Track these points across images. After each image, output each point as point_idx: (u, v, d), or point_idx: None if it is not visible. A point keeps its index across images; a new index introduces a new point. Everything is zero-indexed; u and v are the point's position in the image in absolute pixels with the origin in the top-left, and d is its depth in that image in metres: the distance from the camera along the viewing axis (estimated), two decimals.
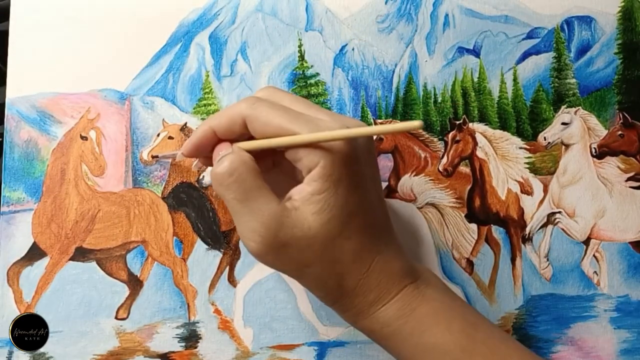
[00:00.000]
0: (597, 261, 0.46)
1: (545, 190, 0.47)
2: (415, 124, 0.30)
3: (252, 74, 0.48)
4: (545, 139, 0.47)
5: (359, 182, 0.34)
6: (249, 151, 0.34)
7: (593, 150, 0.47)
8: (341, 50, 0.49)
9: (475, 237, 0.46)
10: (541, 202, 0.46)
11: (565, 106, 0.47)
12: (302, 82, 0.48)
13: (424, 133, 0.47)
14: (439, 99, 0.48)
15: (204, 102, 0.48)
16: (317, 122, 0.33)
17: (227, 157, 0.33)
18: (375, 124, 0.47)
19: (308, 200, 0.33)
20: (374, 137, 0.47)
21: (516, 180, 0.47)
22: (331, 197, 0.32)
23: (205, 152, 0.36)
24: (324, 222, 0.33)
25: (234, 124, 0.34)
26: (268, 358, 0.44)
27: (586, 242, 0.46)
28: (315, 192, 0.32)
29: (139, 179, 0.47)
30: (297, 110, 0.34)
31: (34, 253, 0.46)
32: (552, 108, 0.48)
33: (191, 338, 0.45)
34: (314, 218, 0.33)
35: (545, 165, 0.47)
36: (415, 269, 0.37)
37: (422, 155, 0.47)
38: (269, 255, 0.34)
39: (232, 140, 0.35)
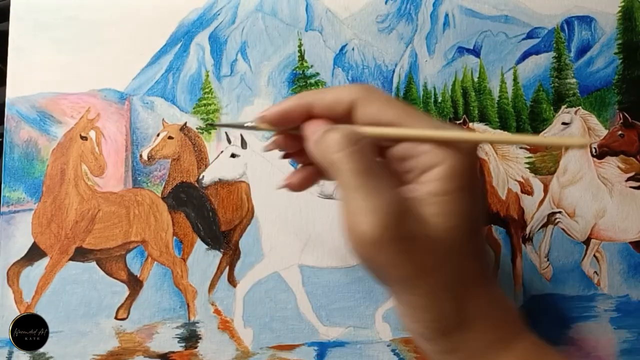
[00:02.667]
0: (598, 261, 0.46)
1: (546, 190, 0.47)
2: (582, 140, 0.27)
3: (252, 74, 0.48)
4: None
5: (478, 197, 0.29)
6: None
7: (593, 150, 0.47)
8: (341, 50, 0.48)
9: None
10: (541, 202, 0.46)
11: (565, 106, 0.47)
12: (302, 82, 0.48)
13: None
14: (439, 99, 0.48)
15: (204, 101, 0.48)
16: (434, 123, 0.29)
17: (346, 127, 0.29)
18: None
19: (425, 200, 0.28)
20: None
21: (516, 180, 0.47)
22: (456, 202, 0.27)
23: (287, 124, 0.31)
24: (447, 227, 0.27)
25: (338, 104, 0.30)
26: (268, 358, 0.44)
27: (586, 242, 0.46)
28: (437, 193, 0.27)
29: (139, 179, 0.47)
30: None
31: (34, 253, 0.46)
32: (552, 108, 0.47)
33: (191, 338, 0.45)
34: (436, 220, 0.27)
35: (545, 165, 0.47)
36: (511, 308, 0.31)
37: None
38: (386, 246, 0.27)
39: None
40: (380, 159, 0.30)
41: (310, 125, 0.30)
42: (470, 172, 0.28)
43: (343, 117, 0.30)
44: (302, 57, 0.48)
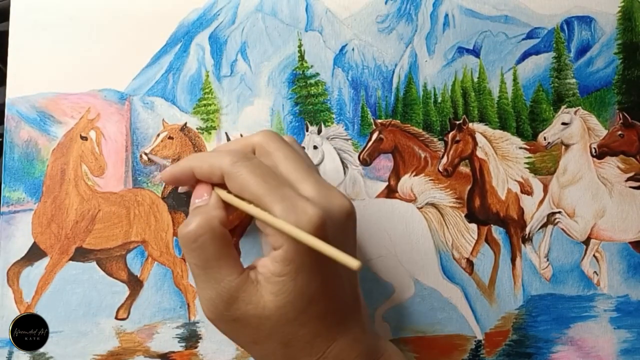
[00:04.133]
0: (597, 261, 0.46)
1: (545, 190, 0.47)
2: (352, 263, 0.29)
3: (252, 74, 0.48)
4: (545, 139, 0.47)
5: (326, 269, 0.33)
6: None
7: (593, 150, 0.47)
8: (341, 50, 0.49)
9: (475, 237, 0.46)
10: (541, 202, 0.46)
11: (565, 106, 0.47)
12: (302, 82, 0.48)
13: (424, 133, 0.47)
14: (439, 99, 0.48)
15: (204, 102, 0.48)
16: (293, 201, 0.31)
17: (195, 219, 0.32)
18: (376, 124, 0.47)
19: (268, 278, 0.32)
20: (373, 140, 0.47)
21: (516, 180, 0.47)
22: (290, 282, 0.31)
23: (180, 184, 0.37)
24: (279, 305, 0.32)
25: (212, 175, 0.34)
26: None
27: (586, 242, 0.46)
28: (276, 274, 0.32)
29: (139, 179, 0.47)
30: (280, 177, 0.33)
31: (34, 253, 0.46)
32: (552, 108, 0.48)
33: (191, 338, 0.45)
34: (270, 298, 0.32)
35: (545, 165, 0.47)
36: (375, 351, 0.36)
37: (422, 155, 0.47)
38: (220, 325, 0.34)
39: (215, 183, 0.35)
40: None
41: (192, 196, 0.35)
42: (309, 253, 0.31)
43: (221, 183, 0.34)
44: (302, 57, 0.48)
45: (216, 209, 0.33)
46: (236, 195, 0.34)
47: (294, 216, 0.31)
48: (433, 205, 0.46)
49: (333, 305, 0.34)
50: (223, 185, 0.34)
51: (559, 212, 0.46)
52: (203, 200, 0.34)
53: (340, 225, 0.33)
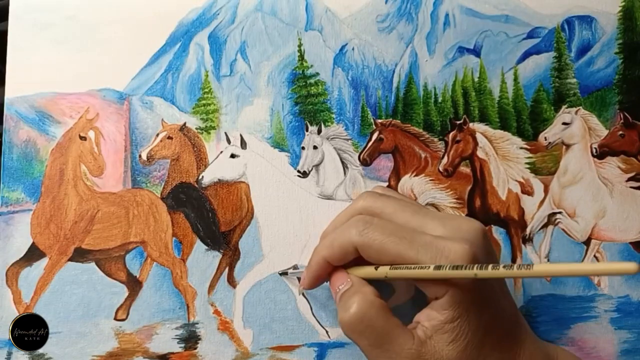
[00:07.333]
0: (598, 261, 0.45)
1: (546, 191, 0.46)
2: (630, 267, 0.26)
3: (251, 74, 0.48)
4: (546, 139, 0.47)
5: (489, 298, 0.33)
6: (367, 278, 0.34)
7: (594, 150, 0.47)
8: (341, 49, 0.48)
9: None
10: (542, 202, 0.46)
11: (566, 106, 0.47)
12: (302, 82, 0.48)
13: (424, 133, 0.47)
14: (440, 99, 0.48)
15: (203, 101, 0.48)
16: (436, 246, 0.31)
17: (354, 301, 0.33)
18: (376, 124, 0.47)
19: (441, 329, 0.32)
20: (373, 140, 0.47)
21: (517, 181, 0.47)
22: (464, 323, 0.31)
23: (321, 282, 0.37)
24: (460, 350, 0.32)
25: (346, 253, 0.34)
26: (268, 359, 0.44)
27: (587, 242, 0.46)
28: (448, 321, 0.32)
29: (138, 179, 0.47)
30: (408, 228, 0.33)
31: (33, 254, 0.45)
32: (552, 108, 0.47)
33: (190, 339, 0.44)
34: (450, 348, 0.32)
35: (546, 165, 0.47)
36: (551, 356, 0.36)
37: (423, 156, 0.47)
38: None
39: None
40: None
41: (333, 287, 0.36)
42: (473, 289, 0.32)
43: (356, 257, 0.34)
44: (301, 56, 0.48)
45: (364, 285, 0.34)
46: (371, 263, 0.34)
47: (444, 260, 0.31)
48: (433, 205, 0.46)
49: (505, 328, 0.34)
50: (353, 263, 0.35)
51: (560, 213, 0.46)
52: (346, 284, 0.34)
53: (482, 246, 0.33)
